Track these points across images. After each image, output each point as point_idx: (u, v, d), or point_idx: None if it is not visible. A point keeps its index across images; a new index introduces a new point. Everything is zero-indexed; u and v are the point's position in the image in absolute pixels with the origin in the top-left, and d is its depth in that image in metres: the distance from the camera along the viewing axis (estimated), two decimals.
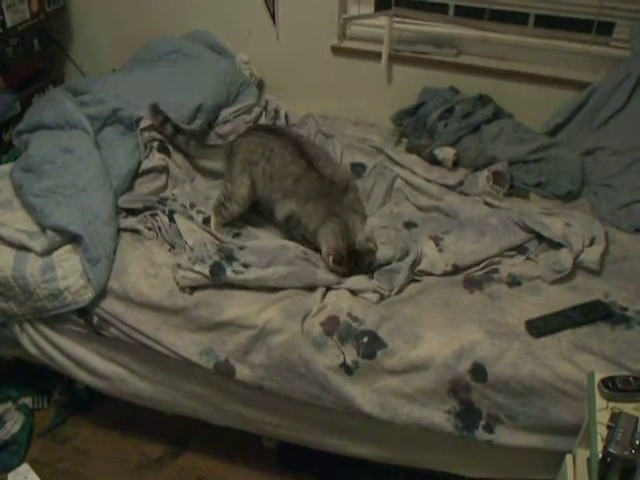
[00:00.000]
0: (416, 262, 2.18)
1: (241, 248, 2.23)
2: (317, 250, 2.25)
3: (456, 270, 2.17)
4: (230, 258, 2.15)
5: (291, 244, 2.26)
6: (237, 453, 2.47)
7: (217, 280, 2.09)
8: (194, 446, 2.52)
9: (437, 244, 2.26)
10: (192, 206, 2.43)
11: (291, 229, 2.34)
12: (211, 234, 2.30)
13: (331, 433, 2.17)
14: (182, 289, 2.11)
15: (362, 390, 1.98)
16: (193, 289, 2.11)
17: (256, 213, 2.50)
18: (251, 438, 2.39)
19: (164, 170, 2.59)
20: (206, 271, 2.09)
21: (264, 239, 2.34)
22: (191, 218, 2.36)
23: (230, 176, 2.46)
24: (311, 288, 2.11)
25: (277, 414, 2.18)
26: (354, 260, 2.15)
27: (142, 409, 2.38)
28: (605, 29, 2.79)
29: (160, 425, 2.55)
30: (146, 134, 2.62)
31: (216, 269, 2.10)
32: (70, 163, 2.42)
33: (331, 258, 2.14)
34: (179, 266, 2.12)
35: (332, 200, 2.29)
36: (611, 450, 1.43)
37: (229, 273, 2.09)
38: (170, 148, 2.65)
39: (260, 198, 2.44)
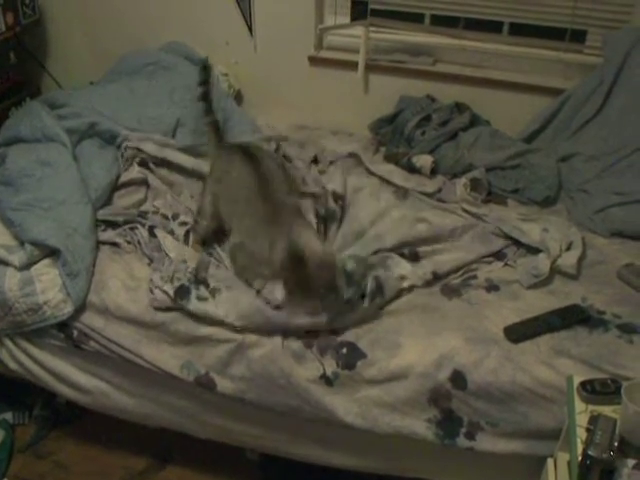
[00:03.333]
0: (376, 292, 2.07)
1: (218, 265, 2.22)
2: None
3: (436, 277, 2.18)
4: (199, 281, 2.12)
5: None
6: (220, 466, 2.46)
7: (180, 305, 2.06)
8: (177, 459, 2.51)
9: (415, 253, 2.28)
10: (175, 217, 2.42)
11: (239, 269, 2.17)
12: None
13: (314, 444, 2.17)
14: (155, 309, 2.11)
15: (343, 401, 1.98)
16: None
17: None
18: (234, 450, 2.38)
19: (143, 183, 2.60)
20: (171, 293, 2.07)
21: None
22: (172, 232, 2.36)
23: (202, 190, 2.43)
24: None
25: (259, 426, 2.18)
26: (302, 271, 1.94)
27: (124, 423, 2.36)
28: (578, 37, 2.84)
29: (142, 438, 2.53)
30: (130, 151, 2.64)
31: (181, 292, 2.07)
32: (48, 176, 2.42)
33: (280, 271, 2.00)
34: (152, 282, 2.12)
35: (284, 221, 2.09)
36: (590, 452, 1.44)
37: (193, 300, 2.06)
38: (152, 166, 2.64)
39: (223, 218, 2.31)
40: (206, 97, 2.58)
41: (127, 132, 2.71)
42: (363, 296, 2.04)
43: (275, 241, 2.02)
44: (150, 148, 2.66)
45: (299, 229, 2.06)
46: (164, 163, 2.66)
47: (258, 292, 2.08)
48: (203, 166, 2.60)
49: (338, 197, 2.50)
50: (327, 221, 2.41)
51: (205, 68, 2.60)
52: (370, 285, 2.06)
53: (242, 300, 2.06)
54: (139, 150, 2.65)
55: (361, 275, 2.08)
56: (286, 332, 2.03)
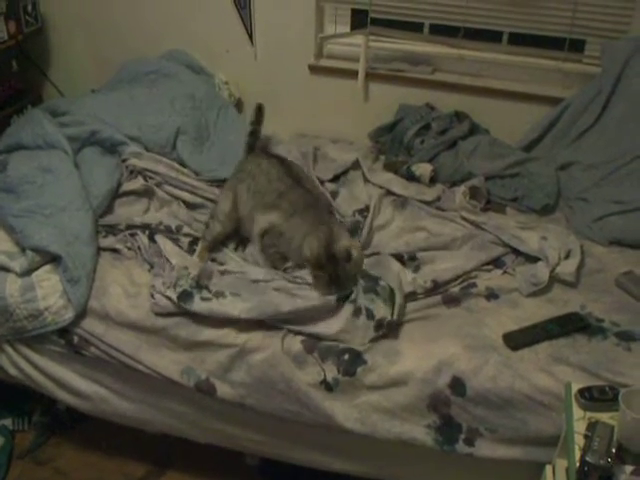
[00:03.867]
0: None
1: (222, 273, 2.23)
2: (297, 266, 2.25)
3: (436, 286, 2.18)
4: (201, 286, 2.12)
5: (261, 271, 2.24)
6: (220, 471, 2.46)
7: (184, 309, 2.07)
8: (177, 465, 2.51)
9: (414, 258, 2.29)
10: (179, 228, 2.44)
11: (266, 247, 2.30)
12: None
13: (314, 449, 2.17)
14: (156, 314, 2.11)
15: (342, 406, 1.98)
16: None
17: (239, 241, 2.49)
18: (234, 456, 2.39)
19: (145, 194, 2.62)
20: (174, 298, 2.08)
21: (235, 264, 2.32)
22: (177, 240, 2.38)
23: (219, 194, 2.49)
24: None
25: (259, 431, 2.18)
26: (333, 266, 2.09)
27: (124, 428, 2.37)
28: (577, 46, 2.86)
29: (142, 444, 2.53)
30: (131, 161, 2.68)
31: (184, 297, 2.08)
32: (49, 183, 2.43)
33: (311, 264, 2.11)
34: (153, 288, 2.13)
35: (319, 212, 2.29)
36: (588, 459, 1.45)
37: (197, 301, 2.07)
38: (158, 178, 2.67)
39: (242, 218, 2.42)
40: (254, 135, 2.72)
41: (135, 148, 2.73)
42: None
43: (310, 231, 2.18)
44: (162, 170, 2.68)
45: (335, 225, 2.28)
46: (174, 182, 2.68)
47: (284, 271, 2.17)
48: (215, 191, 2.64)
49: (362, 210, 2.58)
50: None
51: (260, 109, 2.73)
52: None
53: (249, 299, 2.07)
54: (147, 170, 2.68)
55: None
56: (294, 321, 2.03)
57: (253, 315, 2.02)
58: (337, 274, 2.09)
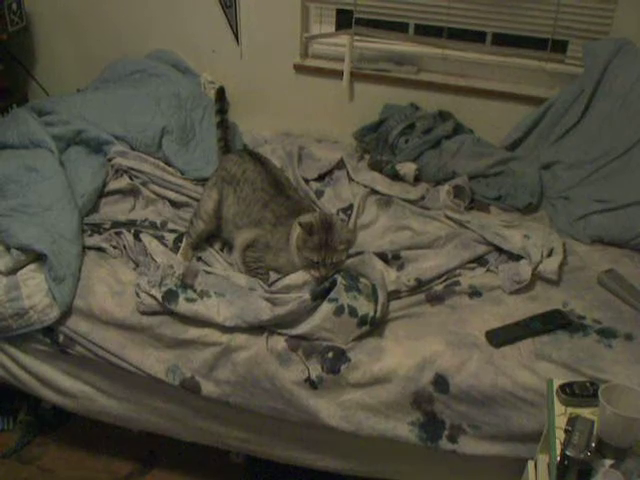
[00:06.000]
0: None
1: (208, 273, 2.23)
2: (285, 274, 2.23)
3: (420, 284, 2.20)
4: (186, 286, 2.13)
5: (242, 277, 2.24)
6: (205, 469, 2.47)
7: (169, 309, 2.07)
8: (162, 463, 2.51)
9: (398, 257, 2.30)
10: (163, 224, 2.45)
11: (249, 261, 2.29)
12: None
13: (299, 447, 2.18)
14: (142, 313, 2.12)
15: (327, 404, 1.99)
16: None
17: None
18: (219, 454, 2.39)
19: (131, 192, 2.62)
20: (159, 297, 2.08)
21: (220, 268, 2.33)
22: (162, 237, 2.38)
23: (203, 191, 2.50)
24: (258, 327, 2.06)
25: (244, 429, 2.19)
26: (325, 230, 2.10)
27: (109, 427, 2.37)
28: (560, 47, 2.88)
29: (128, 443, 2.53)
30: (117, 160, 2.68)
31: (169, 296, 2.08)
32: (35, 182, 2.43)
33: (300, 229, 2.11)
34: (138, 286, 2.13)
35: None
36: (568, 453, 1.47)
37: (181, 302, 2.07)
38: (144, 177, 2.67)
39: (224, 219, 2.42)
40: (222, 125, 2.85)
41: (120, 147, 2.73)
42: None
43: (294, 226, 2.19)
44: (147, 169, 2.69)
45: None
46: (159, 181, 2.68)
47: (270, 285, 2.16)
48: (200, 190, 2.62)
49: (346, 209, 2.62)
50: None
51: (220, 94, 2.84)
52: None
53: (233, 303, 2.07)
54: (132, 169, 2.68)
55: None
56: (276, 325, 2.04)
57: (234, 323, 2.03)
58: (328, 239, 2.09)
